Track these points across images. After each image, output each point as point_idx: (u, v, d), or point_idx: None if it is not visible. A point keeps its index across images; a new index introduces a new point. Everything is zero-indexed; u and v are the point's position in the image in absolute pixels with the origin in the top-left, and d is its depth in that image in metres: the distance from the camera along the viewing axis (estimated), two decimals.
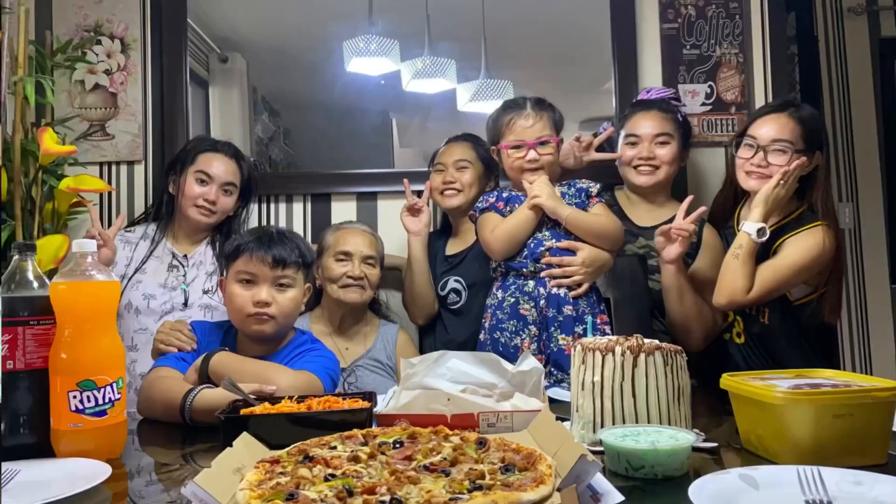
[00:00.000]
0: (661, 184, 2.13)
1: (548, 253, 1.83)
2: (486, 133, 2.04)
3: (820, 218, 1.85)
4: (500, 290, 1.90)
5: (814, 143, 1.89)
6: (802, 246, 1.81)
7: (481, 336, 1.93)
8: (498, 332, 1.85)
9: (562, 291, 1.82)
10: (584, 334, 1.76)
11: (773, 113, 1.91)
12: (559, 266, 1.82)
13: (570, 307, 1.81)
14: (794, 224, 1.87)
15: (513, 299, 1.85)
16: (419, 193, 2.24)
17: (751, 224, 1.77)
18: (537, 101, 1.93)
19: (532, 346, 1.80)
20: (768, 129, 1.87)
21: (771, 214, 1.82)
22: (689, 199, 1.92)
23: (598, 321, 1.85)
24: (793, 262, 1.81)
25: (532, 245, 1.85)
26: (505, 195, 1.94)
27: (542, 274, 1.83)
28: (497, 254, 1.88)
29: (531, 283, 1.84)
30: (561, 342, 1.78)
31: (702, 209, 1.92)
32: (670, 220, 1.93)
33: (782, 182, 1.80)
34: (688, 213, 1.88)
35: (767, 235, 1.77)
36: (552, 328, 1.80)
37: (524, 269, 1.85)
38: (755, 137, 1.88)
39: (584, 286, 1.83)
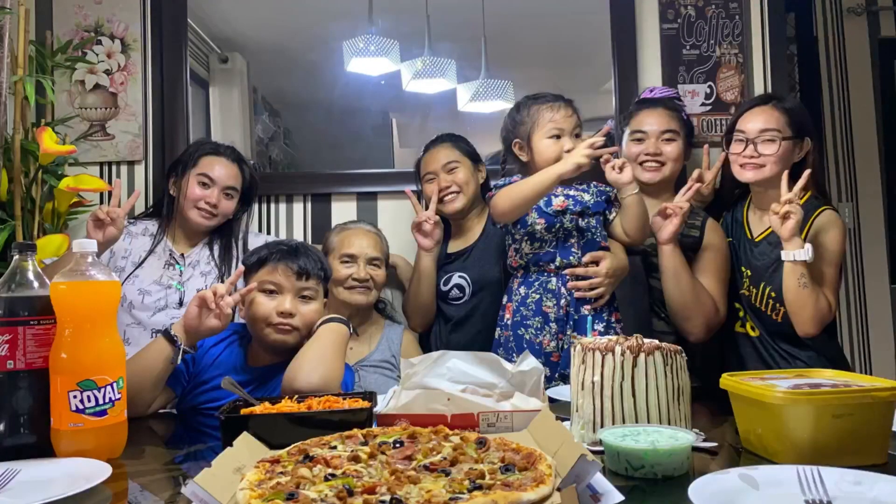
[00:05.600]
0: (665, 180, 2.13)
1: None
2: (501, 129, 2.00)
3: (823, 202, 1.92)
4: (522, 287, 1.90)
5: (800, 129, 1.93)
6: (834, 239, 1.86)
7: (497, 333, 1.94)
8: (522, 329, 1.86)
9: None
10: (604, 333, 1.80)
11: (757, 107, 1.95)
12: (584, 277, 1.83)
13: (589, 306, 1.84)
14: (805, 212, 1.89)
15: (537, 296, 1.86)
16: (419, 194, 2.23)
17: (802, 251, 1.76)
18: (559, 95, 1.93)
19: (552, 344, 1.82)
20: (755, 121, 1.91)
21: (798, 231, 1.83)
22: (691, 185, 1.95)
23: (613, 319, 1.88)
24: (836, 259, 1.87)
25: (561, 239, 1.87)
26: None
27: (569, 285, 1.84)
28: (499, 211, 1.87)
29: (554, 279, 1.86)
30: (574, 342, 1.80)
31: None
32: None
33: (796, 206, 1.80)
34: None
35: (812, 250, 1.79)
36: (569, 327, 1.83)
37: (551, 265, 1.86)
38: (744, 132, 1.92)
39: (606, 297, 1.86)
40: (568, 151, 1.83)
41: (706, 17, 2.49)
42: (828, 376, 1.16)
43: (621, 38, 2.47)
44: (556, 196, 1.88)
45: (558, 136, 1.87)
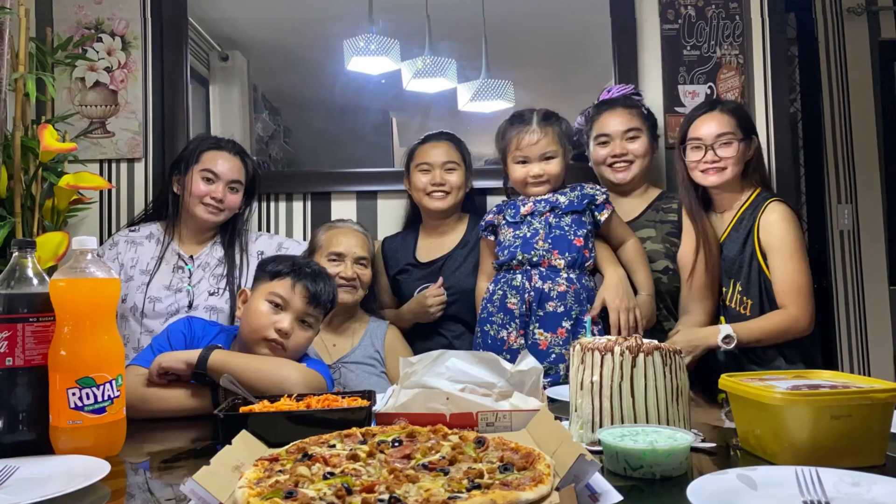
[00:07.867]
0: (637, 177, 2.16)
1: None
2: (495, 143, 2.06)
3: (769, 195, 1.95)
4: (491, 284, 1.94)
5: (748, 129, 1.98)
6: (784, 229, 1.86)
7: (475, 332, 1.97)
8: (487, 325, 1.90)
9: (546, 286, 1.84)
10: (571, 331, 1.80)
11: (706, 113, 1.99)
12: (625, 326, 1.83)
13: (554, 303, 1.83)
14: (755, 206, 1.94)
15: (501, 292, 1.89)
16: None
17: (720, 334, 1.81)
18: (544, 115, 1.95)
19: (519, 341, 1.83)
20: (708, 127, 1.96)
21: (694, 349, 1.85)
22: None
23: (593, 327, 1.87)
24: (792, 248, 1.86)
25: (527, 236, 1.89)
26: (498, 207, 2.02)
27: (612, 333, 1.82)
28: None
29: (518, 276, 1.87)
30: (538, 337, 1.81)
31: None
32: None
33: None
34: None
35: (735, 338, 1.81)
36: (532, 323, 1.84)
37: (513, 262, 1.89)
38: (700, 138, 1.96)
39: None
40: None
41: (706, 18, 2.49)
42: (826, 377, 1.16)
43: (621, 38, 2.48)
44: (525, 204, 1.95)
45: (523, 162, 1.94)
